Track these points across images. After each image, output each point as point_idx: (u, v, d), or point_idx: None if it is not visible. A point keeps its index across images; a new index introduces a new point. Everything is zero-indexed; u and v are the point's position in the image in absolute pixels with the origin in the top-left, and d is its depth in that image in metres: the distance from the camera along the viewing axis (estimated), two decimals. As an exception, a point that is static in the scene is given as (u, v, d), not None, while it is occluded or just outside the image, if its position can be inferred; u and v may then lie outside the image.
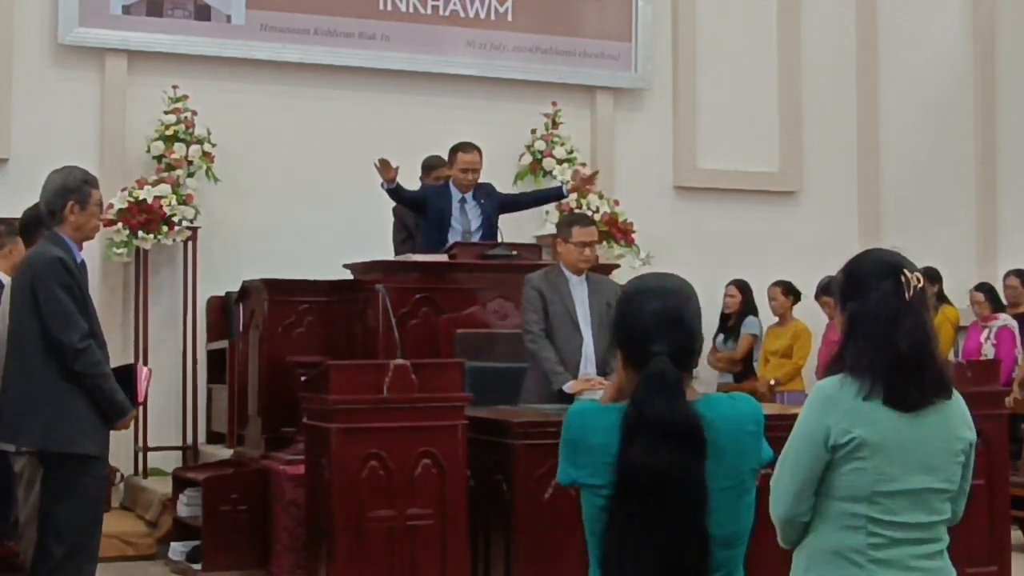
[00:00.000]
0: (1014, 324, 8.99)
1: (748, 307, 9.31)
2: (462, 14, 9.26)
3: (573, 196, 8.44)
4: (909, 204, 10.50)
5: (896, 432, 2.57)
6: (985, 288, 9.29)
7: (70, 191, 4.75)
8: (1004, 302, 9.27)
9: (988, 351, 8.84)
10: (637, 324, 2.32)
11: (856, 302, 2.66)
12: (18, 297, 4.71)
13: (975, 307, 9.23)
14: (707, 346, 9.43)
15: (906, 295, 2.61)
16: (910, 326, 2.59)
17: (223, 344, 8.12)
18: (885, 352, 2.58)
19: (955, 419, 2.65)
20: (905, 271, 2.64)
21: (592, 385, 5.74)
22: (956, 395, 2.67)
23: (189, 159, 8.22)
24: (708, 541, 2.19)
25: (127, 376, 4.84)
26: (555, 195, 7.89)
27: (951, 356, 8.58)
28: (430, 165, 7.86)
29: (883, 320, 2.59)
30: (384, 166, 6.91)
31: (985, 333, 9.06)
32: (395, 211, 7.68)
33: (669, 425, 2.20)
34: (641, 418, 2.21)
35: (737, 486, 2.28)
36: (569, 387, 5.78)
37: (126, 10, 8.41)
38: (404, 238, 7.68)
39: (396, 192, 7.07)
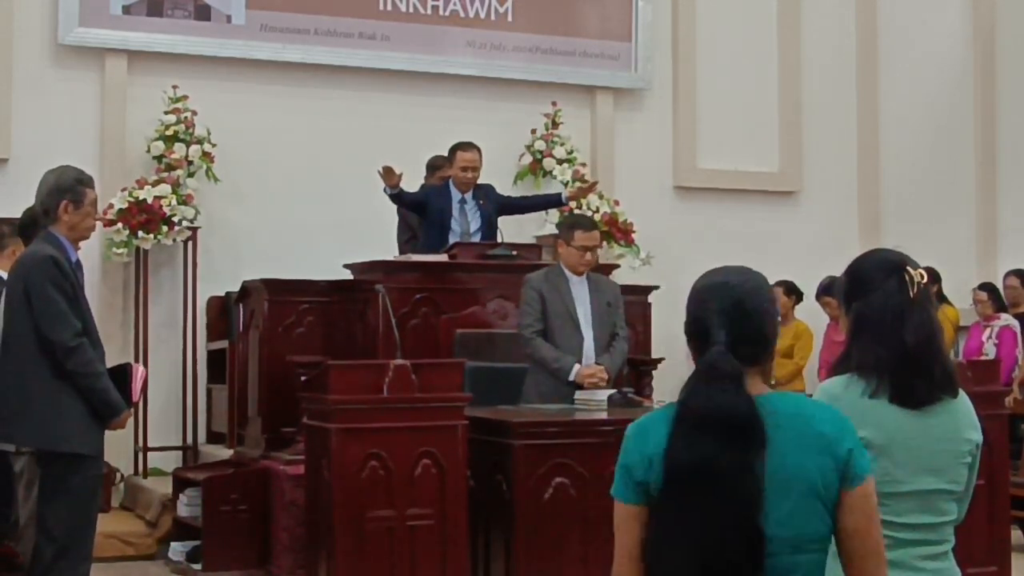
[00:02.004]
0: (1016, 324, 9.00)
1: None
2: (462, 14, 9.26)
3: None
4: (909, 204, 10.50)
5: (902, 432, 2.56)
6: (988, 288, 9.30)
7: (64, 190, 4.75)
8: (1005, 302, 9.29)
9: (989, 350, 8.85)
10: (698, 320, 2.24)
11: (861, 301, 2.66)
12: (12, 296, 4.71)
13: (978, 306, 9.24)
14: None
15: (910, 292, 2.61)
16: (916, 322, 2.59)
17: (223, 344, 8.11)
18: (892, 349, 2.57)
19: (961, 420, 2.64)
20: (908, 268, 2.64)
21: (597, 372, 5.85)
22: (962, 395, 2.66)
23: (189, 159, 8.21)
24: (761, 539, 2.06)
25: (122, 376, 4.84)
26: (554, 202, 7.92)
27: (951, 356, 8.58)
28: (435, 165, 7.87)
29: (889, 317, 2.59)
30: (388, 173, 6.91)
31: (987, 332, 9.08)
32: (399, 211, 7.68)
33: (717, 417, 2.10)
34: (687, 409, 2.13)
35: (803, 486, 2.12)
36: (574, 374, 5.83)
37: (126, 10, 8.41)
38: (408, 238, 7.69)
39: (398, 196, 7.08)
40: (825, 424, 2.19)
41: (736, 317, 2.21)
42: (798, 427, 2.16)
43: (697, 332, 2.24)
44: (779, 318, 2.33)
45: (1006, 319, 9.05)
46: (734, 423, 2.09)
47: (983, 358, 8.44)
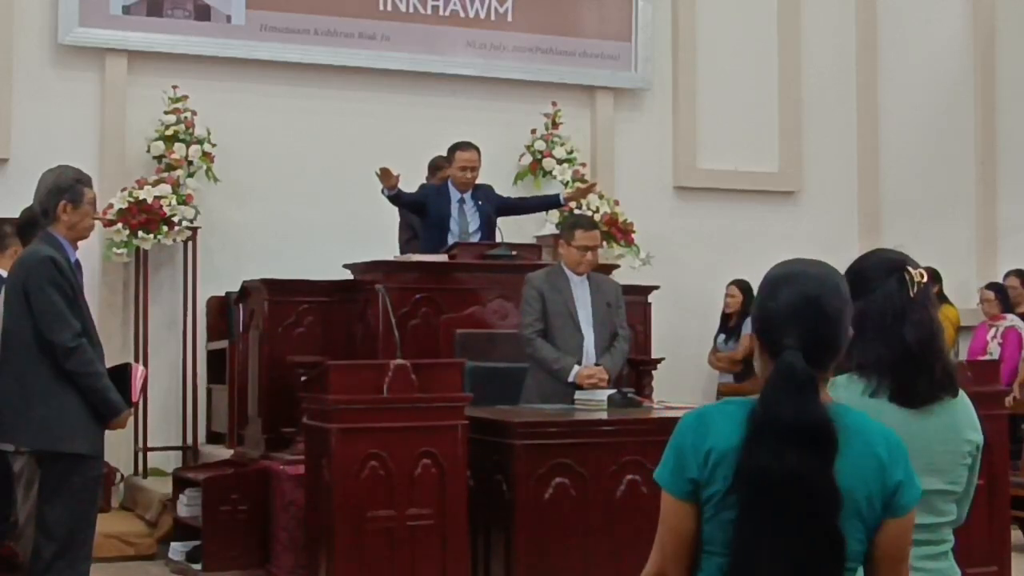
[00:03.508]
0: (1021, 325, 9.01)
1: (749, 307, 9.28)
2: (462, 14, 9.26)
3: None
4: (909, 204, 10.50)
5: (902, 432, 2.53)
6: (996, 287, 9.32)
7: (63, 190, 4.75)
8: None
9: (994, 350, 8.87)
10: (769, 313, 2.14)
11: (861, 300, 2.65)
12: (11, 297, 4.71)
13: (984, 305, 9.25)
14: (708, 346, 9.45)
15: (911, 291, 2.61)
16: (917, 321, 2.58)
17: (223, 344, 8.11)
18: (893, 347, 2.57)
19: (962, 420, 2.64)
20: (909, 268, 2.64)
21: (597, 373, 5.86)
22: (963, 395, 2.65)
23: (189, 159, 8.21)
24: (843, 547, 2.02)
25: (122, 376, 4.84)
26: (553, 204, 7.94)
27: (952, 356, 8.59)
28: (437, 165, 7.87)
29: (890, 316, 2.59)
30: (385, 174, 6.91)
31: (992, 332, 9.09)
32: (401, 211, 7.68)
33: (797, 426, 2.02)
34: (767, 418, 2.04)
35: (849, 508, 2.06)
36: (574, 375, 5.83)
37: (126, 10, 8.41)
38: (409, 238, 7.69)
39: (397, 197, 7.07)
40: (882, 448, 2.13)
41: (809, 316, 2.12)
42: (858, 447, 2.10)
43: (765, 330, 2.15)
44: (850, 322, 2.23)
45: (1012, 319, 9.07)
46: (816, 434, 2.03)
47: (987, 358, 8.44)
